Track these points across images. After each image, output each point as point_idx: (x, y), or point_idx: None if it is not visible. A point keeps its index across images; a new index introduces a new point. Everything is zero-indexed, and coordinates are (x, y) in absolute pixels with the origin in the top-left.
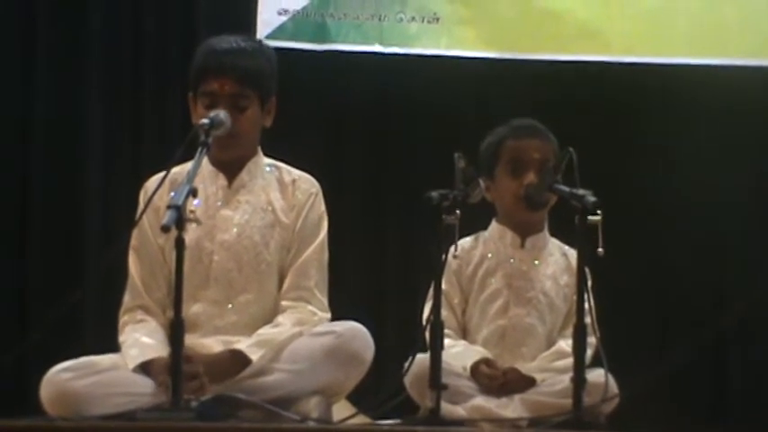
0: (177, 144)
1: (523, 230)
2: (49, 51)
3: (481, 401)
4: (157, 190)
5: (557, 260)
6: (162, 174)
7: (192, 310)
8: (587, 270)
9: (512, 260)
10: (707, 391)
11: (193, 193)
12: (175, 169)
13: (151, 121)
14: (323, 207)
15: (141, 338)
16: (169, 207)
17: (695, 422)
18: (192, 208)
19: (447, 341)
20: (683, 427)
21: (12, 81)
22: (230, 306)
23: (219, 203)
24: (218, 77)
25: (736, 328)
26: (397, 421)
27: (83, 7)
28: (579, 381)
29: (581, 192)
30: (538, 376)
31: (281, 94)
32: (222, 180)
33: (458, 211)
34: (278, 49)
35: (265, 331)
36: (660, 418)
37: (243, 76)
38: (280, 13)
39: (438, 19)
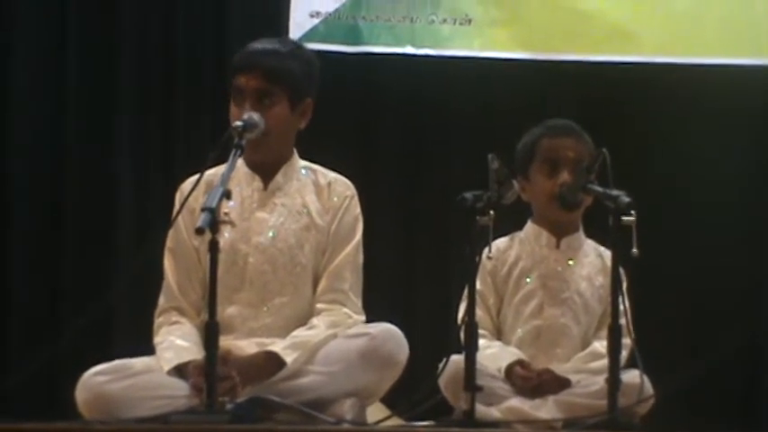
0: (211, 146)
1: (559, 231)
2: (80, 52)
3: (516, 403)
4: (192, 191)
5: (592, 261)
6: (197, 176)
7: (227, 312)
8: (622, 271)
9: (546, 261)
10: (742, 391)
11: (227, 195)
12: (210, 171)
13: (185, 123)
14: (358, 210)
15: (176, 341)
16: (203, 210)
17: (730, 423)
18: (227, 210)
19: (482, 342)
20: (718, 428)
21: (44, 82)
22: (265, 308)
23: (255, 206)
24: (245, 73)
25: None
26: (432, 423)
27: (115, 10)
28: (614, 382)
29: (615, 192)
30: (572, 377)
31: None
32: (258, 182)
33: (491, 212)
34: None
35: (300, 333)
36: (695, 419)
37: (268, 73)
38: (312, 16)
39: (470, 20)
